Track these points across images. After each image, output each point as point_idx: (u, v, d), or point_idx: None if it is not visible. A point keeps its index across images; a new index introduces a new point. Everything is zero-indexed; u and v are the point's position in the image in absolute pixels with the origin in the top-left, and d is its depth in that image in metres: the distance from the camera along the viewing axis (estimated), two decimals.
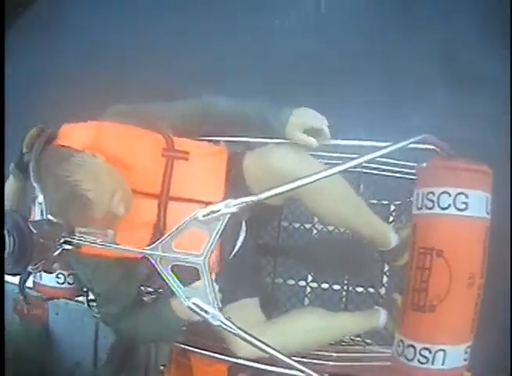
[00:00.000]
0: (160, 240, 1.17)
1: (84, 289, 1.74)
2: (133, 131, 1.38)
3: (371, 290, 1.89)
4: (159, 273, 1.20)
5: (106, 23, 3.35)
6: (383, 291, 1.88)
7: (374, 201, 1.89)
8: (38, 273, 1.62)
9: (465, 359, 1.41)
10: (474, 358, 1.37)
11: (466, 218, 1.39)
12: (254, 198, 1.11)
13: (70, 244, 1.12)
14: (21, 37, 3.33)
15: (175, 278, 1.19)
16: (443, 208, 1.40)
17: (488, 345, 2.24)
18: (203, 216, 1.11)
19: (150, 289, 1.85)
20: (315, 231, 1.94)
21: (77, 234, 1.14)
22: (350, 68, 2.94)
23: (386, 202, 1.92)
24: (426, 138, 1.40)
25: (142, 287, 1.73)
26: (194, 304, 1.15)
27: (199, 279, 1.20)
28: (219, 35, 3.14)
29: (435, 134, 1.43)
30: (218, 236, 1.16)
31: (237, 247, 1.59)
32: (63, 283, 1.67)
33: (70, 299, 1.80)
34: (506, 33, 2.61)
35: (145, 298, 1.67)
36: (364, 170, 1.79)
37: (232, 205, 1.09)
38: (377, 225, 1.70)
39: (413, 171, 1.63)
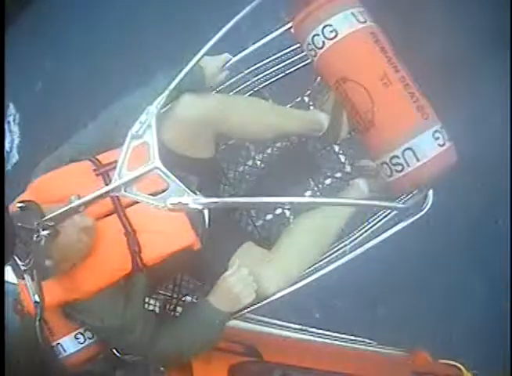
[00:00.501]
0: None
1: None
2: (62, 172, 1.39)
3: (338, 175, 1.88)
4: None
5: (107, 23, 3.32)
6: (348, 169, 1.87)
7: (289, 105, 1.91)
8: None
9: (440, 144, 1.37)
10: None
11: (342, 39, 1.43)
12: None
13: (45, 229, 1.09)
14: (21, 36, 3.29)
15: (143, 193, 1.20)
16: (321, 47, 1.47)
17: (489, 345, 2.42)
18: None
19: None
20: (258, 162, 1.93)
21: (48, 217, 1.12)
22: None
23: (299, 98, 1.92)
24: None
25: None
26: (172, 204, 1.13)
27: None
28: None
29: None
30: None
31: (207, 217, 1.57)
32: (84, 341, 1.59)
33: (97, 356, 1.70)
34: (506, 33, 2.66)
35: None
36: (262, 84, 1.84)
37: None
38: (302, 115, 1.76)
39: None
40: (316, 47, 1.47)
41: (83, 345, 1.60)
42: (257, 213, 1.89)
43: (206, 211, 1.55)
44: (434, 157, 1.36)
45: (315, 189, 1.86)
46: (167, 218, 1.35)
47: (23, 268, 1.08)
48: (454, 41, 2.75)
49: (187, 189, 1.15)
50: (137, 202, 1.35)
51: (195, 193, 1.49)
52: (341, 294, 2.67)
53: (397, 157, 1.36)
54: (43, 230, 1.09)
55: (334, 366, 1.72)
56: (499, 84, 2.65)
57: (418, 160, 1.35)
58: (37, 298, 1.11)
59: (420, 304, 2.61)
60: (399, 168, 1.36)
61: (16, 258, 1.07)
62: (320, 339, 1.98)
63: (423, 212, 1.52)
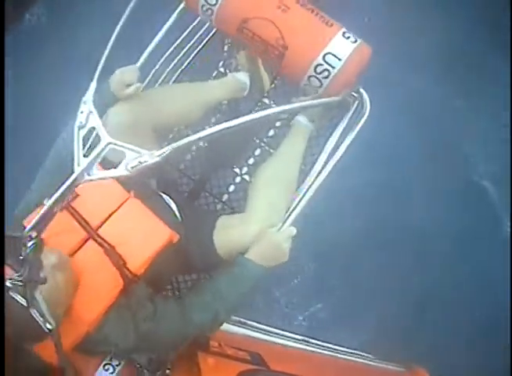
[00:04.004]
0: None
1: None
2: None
3: (278, 124, 1.91)
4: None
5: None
6: (284, 116, 1.89)
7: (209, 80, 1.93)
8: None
9: (353, 41, 1.42)
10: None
11: None
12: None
13: (31, 240, 1.10)
14: (21, 39, 3.13)
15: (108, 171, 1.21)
16: (214, 4, 1.50)
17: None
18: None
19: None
20: (201, 143, 1.95)
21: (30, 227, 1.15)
22: None
23: (215, 72, 1.98)
24: None
25: None
26: (132, 167, 1.16)
27: None
28: None
29: None
30: None
31: (176, 210, 1.60)
32: (114, 371, 1.53)
33: None
34: (507, 33, 2.73)
35: None
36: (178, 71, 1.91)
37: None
38: (222, 82, 1.82)
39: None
40: (210, 5, 1.51)
41: (114, 374, 1.54)
42: (219, 190, 1.89)
43: (173, 205, 1.58)
44: (352, 52, 1.41)
45: (262, 144, 1.89)
46: (139, 223, 1.39)
47: (19, 283, 1.05)
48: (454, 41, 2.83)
49: (141, 150, 1.16)
50: (106, 220, 1.37)
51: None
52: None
53: (320, 64, 1.41)
54: (29, 242, 1.09)
55: None
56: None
57: (340, 59, 1.40)
58: (49, 326, 1.09)
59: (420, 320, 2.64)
60: (326, 73, 1.41)
61: (11, 269, 1.06)
62: (322, 351, 2.02)
63: (365, 116, 1.57)
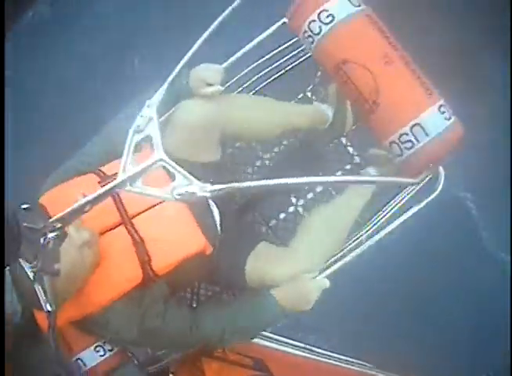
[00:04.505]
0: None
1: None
2: (67, 186, 1.38)
3: (347, 167, 1.85)
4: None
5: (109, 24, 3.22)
6: (357, 160, 1.85)
7: (293, 102, 1.90)
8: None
9: (447, 118, 1.35)
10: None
11: (339, 23, 1.41)
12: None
13: (52, 231, 1.08)
14: (21, 38, 3.20)
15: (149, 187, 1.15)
16: (318, 33, 1.45)
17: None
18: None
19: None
20: (267, 162, 1.92)
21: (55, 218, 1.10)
22: None
23: (301, 95, 1.92)
24: None
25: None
26: (178, 194, 1.10)
27: None
28: None
29: None
30: None
31: (218, 221, 1.54)
32: (104, 354, 1.58)
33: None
34: (507, 33, 2.67)
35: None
36: (263, 83, 1.85)
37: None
38: (305, 109, 1.75)
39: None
40: (313, 33, 1.45)
41: (103, 358, 1.58)
42: (270, 213, 1.86)
43: (217, 216, 1.53)
44: (443, 130, 1.33)
45: None
46: (176, 225, 1.36)
47: (31, 271, 1.05)
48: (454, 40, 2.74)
49: (193, 178, 1.11)
50: (143, 211, 1.35)
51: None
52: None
53: (406, 134, 1.33)
54: (50, 232, 1.07)
55: None
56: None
57: (427, 134, 1.32)
58: (49, 307, 1.09)
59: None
60: (409, 145, 1.33)
61: (22, 260, 1.05)
62: (325, 359, 1.99)
63: (436, 193, 1.49)
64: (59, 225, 1.09)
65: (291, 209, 1.85)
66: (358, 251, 1.53)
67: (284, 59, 1.81)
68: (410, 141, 1.33)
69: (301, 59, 1.81)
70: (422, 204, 1.51)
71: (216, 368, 1.55)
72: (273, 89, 1.88)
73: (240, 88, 1.81)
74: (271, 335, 1.84)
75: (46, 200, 1.34)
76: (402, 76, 1.37)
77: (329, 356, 2.00)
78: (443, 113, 1.34)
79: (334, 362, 2.01)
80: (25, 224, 1.05)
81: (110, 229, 1.32)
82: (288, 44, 1.75)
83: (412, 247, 2.46)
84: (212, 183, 1.60)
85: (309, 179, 1.19)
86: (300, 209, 1.84)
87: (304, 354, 1.94)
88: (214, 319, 1.41)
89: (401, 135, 1.33)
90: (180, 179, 1.11)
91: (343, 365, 2.02)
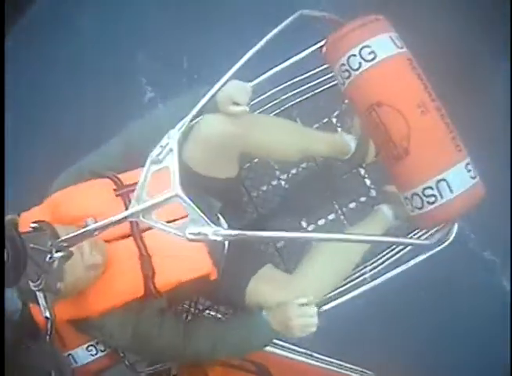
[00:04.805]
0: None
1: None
2: (82, 188, 1.38)
3: (362, 199, 1.85)
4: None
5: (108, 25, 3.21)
6: (373, 193, 1.84)
7: (316, 125, 1.89)
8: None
9: (472, 177, 1.35)
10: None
11: (380, 62, 1.40)
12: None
13: (59, 251, 1.06)
14: (21, 39, 3.20)
15: (161, 221, 1.10)
16: (357, 69, 1.42)
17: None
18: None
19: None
20: (283, 182, 1.90)
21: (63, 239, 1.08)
22: None
23: (326, 119, 1.90)
24: (302, 14, 1.43)
25: None
26: (191, 233, 1.05)
27: None
28: None
29: None
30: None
31: (227, 244, 1.54)
32: (96, 353, 1.60)
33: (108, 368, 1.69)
34: (506, 32, 2.64)
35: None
36: (290, 103, 1.84)
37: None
38: (329, 138, 1.74)
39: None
40: (352, 68, 1.43)
41: (94, 357, 1.60)
42: None
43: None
44: (467, 189, 1.33)
45: (339, 212, 1.84)
46: (185, 244, 1.30)
47: (34, 289, 1.05)
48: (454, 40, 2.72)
49: (207, 220, 1.06)
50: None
51: (216, 221, 1.48)
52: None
53: (430, 188, 1.33)
54: (57, 252, 1.06)
55: None
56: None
57: (452, 191, 1.31)
58: (47, 314, 1.10)
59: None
60: (432, 199, 1.33)
61: (27, 278, 1.04)
62: (326, 366, 1.96)
63: (446, 244, 1.50)
64: (65, 244, 1.08)
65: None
66: (360, 289, 1.54)
67: (315, 82, 1.79)
68: (434, 195, 1.32)
69: (328, 85, 1.79)
70: (430, 253, 1.51)
71: (220, 372, 1.57)
72: (299, 110, 1.88)
73: (267, 106, 1.80)
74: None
75: (56, 200, 1.34)
76: (435, 128, 1.36)
77: (331, 362, 1.99)
78: (469, 171, 1.34)
79: (336, 368, 2.00)
80: (32, 245, 1.03)
81: (118, 239, 1.32)
82: (320, 68, 1.73)
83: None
84: (225, 203, 1.60)
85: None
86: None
87: (306, 360, 1.92)
88: (206, 334, 1.42)
89: (425, 189, 1.33)
90: (194, 218, 1.07)
91: (344, 372, 2.01)
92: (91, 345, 1.59)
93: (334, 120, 1.90)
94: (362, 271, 1.60)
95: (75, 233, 1.06)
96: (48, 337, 1.15)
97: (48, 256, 1.05)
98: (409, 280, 2.42)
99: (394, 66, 1.41)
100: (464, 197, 1.33)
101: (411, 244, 1.53)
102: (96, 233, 1.08)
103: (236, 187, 1.75)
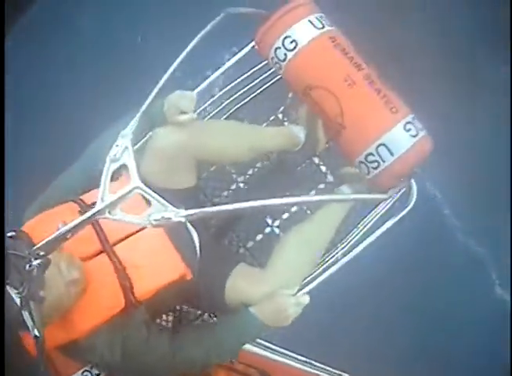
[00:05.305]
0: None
1: None
2: (50, 213, 1.40)
3: (321, 186, 1.89)
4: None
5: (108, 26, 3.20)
6: (330, 178, 1.89)
7: (265, 124, 1.92)
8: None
9: (413, 135, 1.37)
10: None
11: (301, 49, 1.46)
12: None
13: (36, 259, 1.09)
14: (21, 39, 3.17)
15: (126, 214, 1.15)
16: (283, 60, 1.49)
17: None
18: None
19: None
20: (241, 185, 1.93)
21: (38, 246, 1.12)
22: None
23: (273, 117, 1.94)
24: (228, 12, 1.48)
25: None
26: (155, 220, 1.10)
27: None
28: None
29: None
30: None
31: (198, 246, 1.55)
32: None
33: None
34: (506, 33, 2.68)
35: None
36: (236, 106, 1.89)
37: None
38: (277, 132, 1.77)
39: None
40: (279, 60, 1.49)
41: None
42: (246, 235, 1.87)
43: (196, 241, 1.53)
44: (409, 149, 1.36)
45: None
46: (156, 251, 1.38)
47: (17, 297, 1.06)
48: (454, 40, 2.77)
49: (168, 204, 1.12)
50: (124, 239, 1.37)
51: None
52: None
53: (371, 154, 1.36)
54: (35, 260, 1.09)
55: None
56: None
57: (392, 154, 1.35)
58: (36, 333, 1.09)
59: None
60: (375, 164, 1.37)
61: (9, 286, 1.06)
62: (326, 375, 1.95)
63: (409, 207, 1.52)
64: (42, 252, 1.11)
65: (267, 230, 1.86)
66: (334, 268, 1.55)
67: (256, 81, 1.83)
68: (376, 161, 1.36)
69: (272, 81, 1.83)
70: (396, 219, 1.53)
71: None
72: (246, 111, 1.91)
73: (213, 113, 1.84)
74: (274, 347, 1.85)
75: (28, 228, 1.35)
76: (364, 97, 1.40)
77: (331, 371, 1.99)
78: (409, 130, 1.37)
79: None
80: (11, 251, 1.07)
81: (92, 257, 1.34)
82: (259, 66, 1.77)
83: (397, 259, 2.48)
84: (187, 209, 1.63)
85: (283, 200, 1.20)
86: (276, 230, 1.86)
87: (306, 368, 1.91)
88: (198, 343, 1.42)
89: (367, 156, 1.37)
90: (156, 205, 1.12)
91: None
92: (87, 371, 1.58)
93: (280, 115, 1.93)
94: (334, 252, 1.63)
95: (49, 238, 1.10)
96: (40, 357, 1.13)
97: (28, 264, 1.07)
98: (405, 279, 2.52)
99: (314, 49, 1.46)
100: (407, 157, 1.36)
101: (371, 199, 1.55)
102: (69, 235, 1.12)
103: (196, 195, 1.76)
